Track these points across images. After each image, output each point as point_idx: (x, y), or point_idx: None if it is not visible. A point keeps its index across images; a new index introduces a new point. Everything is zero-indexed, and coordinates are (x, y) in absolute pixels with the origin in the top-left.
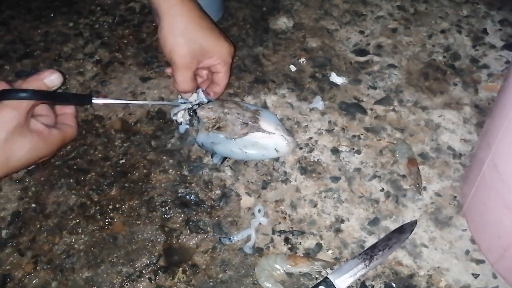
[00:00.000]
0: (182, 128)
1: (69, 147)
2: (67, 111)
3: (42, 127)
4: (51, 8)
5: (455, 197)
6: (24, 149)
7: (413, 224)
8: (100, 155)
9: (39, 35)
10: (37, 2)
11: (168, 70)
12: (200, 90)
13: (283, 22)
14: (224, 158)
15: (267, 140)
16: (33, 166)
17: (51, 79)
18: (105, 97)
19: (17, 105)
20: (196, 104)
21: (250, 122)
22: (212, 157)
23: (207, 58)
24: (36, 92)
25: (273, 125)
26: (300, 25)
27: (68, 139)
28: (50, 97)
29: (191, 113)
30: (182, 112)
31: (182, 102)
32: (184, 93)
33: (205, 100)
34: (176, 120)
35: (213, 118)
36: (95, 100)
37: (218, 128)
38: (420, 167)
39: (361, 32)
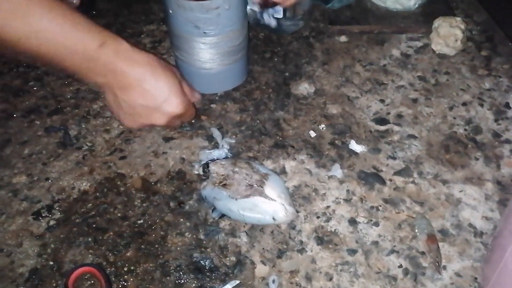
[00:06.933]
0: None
1: (89, 204)
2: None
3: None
4: None
5: (476, 278)
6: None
7: None
8: (119, 214)
9: (71, 92)
10: None
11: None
12: (224, 142)
13: (304, 88)
14: (223, 215)
15: (267, 206)
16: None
17: None
18: None
19: None
20: (211, 160)
21: (255, 185)
22: (212, 211)
23: None
24: None
25: (277, 192)
26: (321, 91)
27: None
28: None
29: (205, 168)
30: (198, 164)
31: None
32: None
33: (224, 156)
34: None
35: (222, 175)
36: None
37: (224, 185)
38: (440, 244)
39: (382, 101)
